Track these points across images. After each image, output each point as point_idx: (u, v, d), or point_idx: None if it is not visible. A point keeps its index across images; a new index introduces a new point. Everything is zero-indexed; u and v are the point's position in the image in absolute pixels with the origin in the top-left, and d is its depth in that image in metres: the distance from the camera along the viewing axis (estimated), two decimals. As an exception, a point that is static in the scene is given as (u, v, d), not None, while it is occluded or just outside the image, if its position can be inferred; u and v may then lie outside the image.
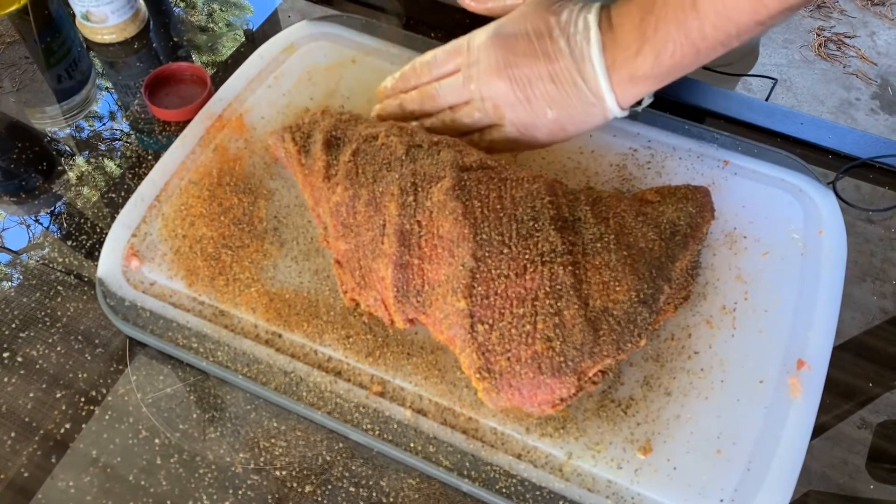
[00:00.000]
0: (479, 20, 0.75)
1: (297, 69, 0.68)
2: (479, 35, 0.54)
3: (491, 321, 0.48)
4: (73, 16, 0.74)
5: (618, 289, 0.49)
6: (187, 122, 0.65)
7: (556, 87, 0.52)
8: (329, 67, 0.68)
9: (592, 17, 0.51)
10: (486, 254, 0.49)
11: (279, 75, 0.67)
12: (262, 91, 0.66)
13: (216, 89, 0.66)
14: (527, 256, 0.49)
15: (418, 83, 0.58)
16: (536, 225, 0.50)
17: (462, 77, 0.55)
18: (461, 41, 0.56)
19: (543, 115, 0.53)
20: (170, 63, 0.70)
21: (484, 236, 0.49)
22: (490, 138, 0.56)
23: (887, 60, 1.94)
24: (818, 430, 0.51)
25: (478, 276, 0.48)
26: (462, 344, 0.48)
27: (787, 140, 0.68)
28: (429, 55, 0.57)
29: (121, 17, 0.73)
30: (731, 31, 0.47)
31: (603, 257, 0.50)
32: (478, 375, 0.47)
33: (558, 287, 0.48)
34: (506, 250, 0.49)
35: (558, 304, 0.48)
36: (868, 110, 1.84)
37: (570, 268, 0.49)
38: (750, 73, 0.91)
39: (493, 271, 0.48)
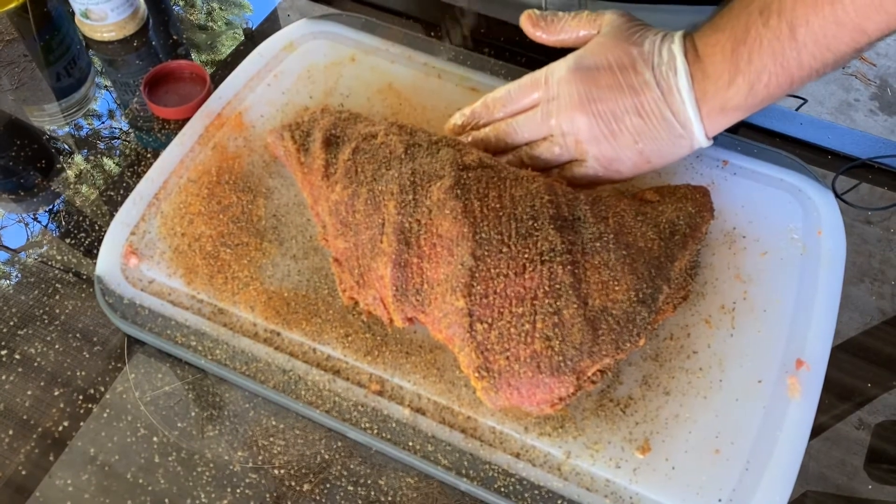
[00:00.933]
0: (480, 21, 0.76)
1: (296, 68, 0.68)
2: (558, 69, 0.53)
3: (490, 320, 0.47)
4: (73, 13, 0.74)
5: (617, 288, 0.49)
6: (186, 120, 0.65)
7: (643, 120, 0.50)
8: (328, 66, 0.68)
9: (677, 47, 0.50)
10: (486, 253, 0.49)
11: (278, 74, 0.67)
12: (262, 89, 0.66)
13: (215, 87, 0.66)
14: (526, 255, 0.49)
15: (491, 119, 0.56)
16: (536, 224, 0.50)
17: (541, 112, 0.53)
18: (538, 75, 0.54)
19: (629, 148, 0.51)
20: (169, 61, 0.70)
21: (483, 235, 0.49)
22: (571, 174, 0.55)
23: (886, 62, 1.95)
24: (816, 431, 0.51)
25: (477, 274, 0.48)
26: (461, 343, 0.48)
27: (787, 140, 0.68)
28: (501, 91, 0.55)
29: (120, 15, 0.73)
30: (829, 60, 0.47)
31: (602, 256, 0.50)
32: (476, 374, 0.47)
33: (557, 286, 0.48)
34: (505, 249, 0.49)
35: (557, 303, 0.48)
36: (867, 111, 1.84)
37: (569, 267, 0.49)
38: None
39: (493, 270, 0.48)
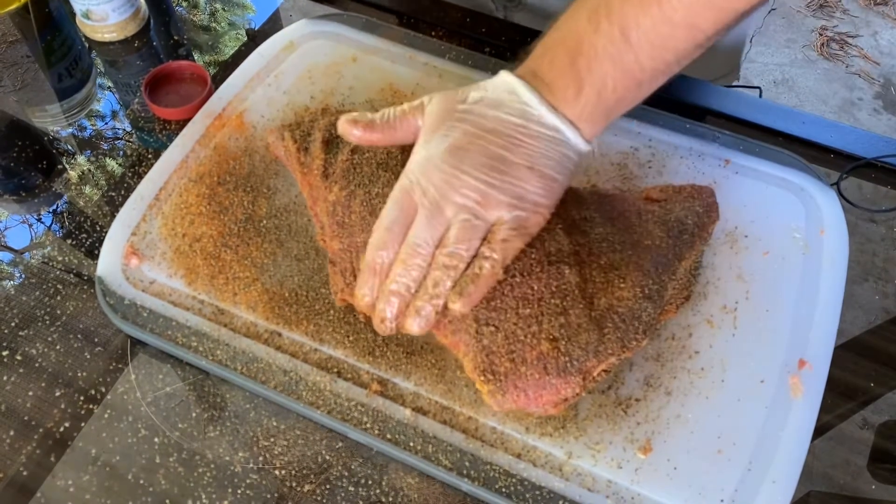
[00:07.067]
0: (481, 19, 0.75)
1: (296, 68, 0.68)
2: (412, 171, 0.48)
3: (496, 323, 0.47)
4: (74, 14, 0.74)
5: (622, 286, 0.49)
6: (187, 120, 0.65)
7: (519, 146, 0.47)
8: (329, 66, 0.68)
9: (506, 74, 0.47)
10: None
11: (279, 74, 0.67)
12: (262, 90, 0.66)
13: (216, 88, 0.66)
14: (533, 257, 0.48)
15: (390, 259, 0.48)
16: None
17: (426, 211, 0.47)
18: (400, 189, 0.48)
19: (528, 177, 0.47)
20: (170, 62, 0.70)
21: None
22: (502, 238, 0.47)
23: (890, 60, 1.94)
24: (820, 431, 0.51)
25: None
26: (466, 348, 0.48)
27: (789, 139, 0.68)
28: (379, 232, 0.48)
29: (121, 16, 0.73)
30: (670, 59, 0.46)
31: (609, 257, 0.50)
32: (483, 378, 0.47)
33: (564, 287, 0.48)
34: None
35: (564, 303, 0.47)
36: (871, 110, 1.83)
37: (576, 268, 0.48)
38: (734, 84, 0.90)
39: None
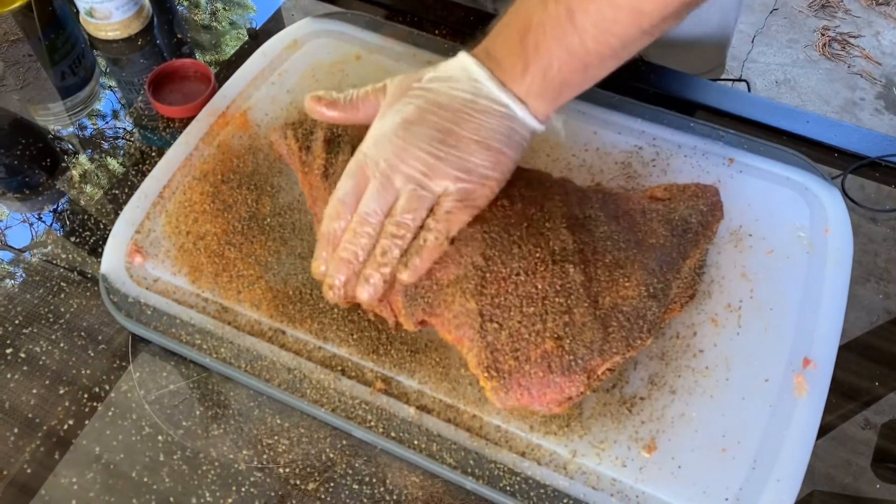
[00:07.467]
0: (483, 17, 0.75)
1: (300, 66, 0.68)
2: (366, 145, 0.50)
3: (501, 320, 0.47)
4: (77, 13, 0.74)
5: (627, 284, 0.49)
6: (191, 118, 0.65)
7: (467, 118, 0.48)
8: (333, 64, 0.68)
9: (461, 53, 0.49)
10: (496, 253, 0.48)
11: (283, 72, 0.67)
12: (266, 88, 0.66)
13: (220, 86, 0.66)
14: (538, 255, 0.49)
15: (343, 228, 0.49)
16: (548, 224, 0.50)
17: (377, 182, 0.48)
18: (354, 163, 0.50)
19: (475, 150, 0.48)
20: (173, 60, 0.70)
21: (493, 235, 0.49)
22: (446, 209, 0.48)
23: (892, 60, 1.94)
24: (822, 431, 0.51)
25: (488, 275, 0.48)
26: (470, 343, 0.48)
27: (793, 138, 0.68)
28: (333, 203, 0.49)
29: (125, 14, 0.73)
30: (615, 43, 0.46)
31: (613, 255, 0.50)
32: (486, 374, 0.47)
33: (569, 286, 0.48)
34: (516, 249, 0.49)
35: (568, 302, 0.47)
36: (873, 110, 1.83)
37: (580, 266, 0.48)
38: (721, 77, 0.90)
39: (504, 270, 0.48)
